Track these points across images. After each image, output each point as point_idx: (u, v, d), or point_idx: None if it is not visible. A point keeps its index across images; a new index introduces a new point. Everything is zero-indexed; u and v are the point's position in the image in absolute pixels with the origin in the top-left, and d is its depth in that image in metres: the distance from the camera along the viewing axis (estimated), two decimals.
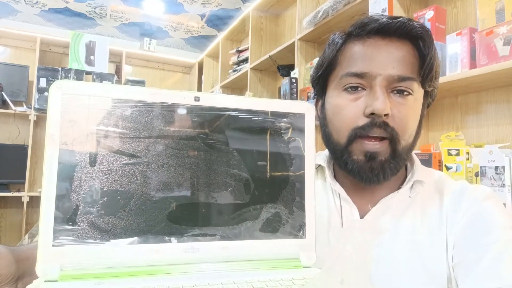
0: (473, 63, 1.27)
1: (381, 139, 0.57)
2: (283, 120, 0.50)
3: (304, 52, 2.23)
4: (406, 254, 0.57)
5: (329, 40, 0.64)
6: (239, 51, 3.11)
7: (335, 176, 0.66)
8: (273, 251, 0.48)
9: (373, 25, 0.58)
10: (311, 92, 2.06)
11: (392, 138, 0.56)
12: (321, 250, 0.54)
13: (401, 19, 0.57)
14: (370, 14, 0.62)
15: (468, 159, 1.27)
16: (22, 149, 3.36)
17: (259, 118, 0.49)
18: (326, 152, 0.69)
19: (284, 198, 0.49)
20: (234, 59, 3.16)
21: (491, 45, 1.20)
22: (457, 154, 1.29)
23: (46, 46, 3.71)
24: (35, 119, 3.35)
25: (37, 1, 3.26)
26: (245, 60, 2.97)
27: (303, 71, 2.20)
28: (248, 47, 2.89)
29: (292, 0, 2.62)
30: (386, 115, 0.55)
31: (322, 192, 0.66)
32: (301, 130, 0.50)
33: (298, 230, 0.49)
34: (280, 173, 0.49)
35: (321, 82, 0.65)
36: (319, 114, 0.67)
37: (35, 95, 3.22)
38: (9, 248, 0.47)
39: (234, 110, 0.48)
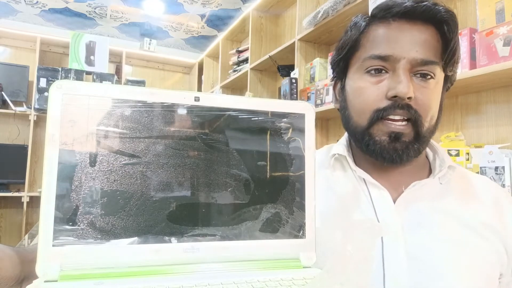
0: (473, 64, 1.27)
1: (404, 120, 0.57)
2: (283, 120, 0.50)
3: (304, 52, 2.23)
4: (446, 243, 0.56)
5: (351, 22, 0.63)
6: (239, 51, 3.11)
7: (357, 164, 0.65)
8: (273, 251, 0.48)
9: (398, 8, 0.57)
10: (311, 92, 2.06)
11: (415, 120, 0.56)
12: (354, 239, 0.54)
13: (426, 3, 0.57)
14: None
15: (468, 159, 1.27)
16: (22, 149, 3.36)
17: (259, 118, 0.49)
18: (342, 140, 0.68)
19: (284, 198, 0.49)
20: (234, 59, 3.16)
21: (491, 46, 1.20)
22: (457, 155, 1.29)
23: (46, 46, 3.71)
24: (35, 119, 3.35)
25: (37, 1, 3.26)
26: (245, 60, 2.97)
27: (303, 71, 2.20)
28: (248, 47, 2.89)
29: (292, 0, 2.62)
30: (409, 98, 0.55)
31: (344, 181, 0.64)
32: (301, 130, 0.50)
33: (298, 230, 0.49)
34: (280, 173, 0.49)
35: (342, 65, 0.64)
36: (337, 97, 0.67)
37: (35, 95, 3.22)
38: (15, 249, 0.46)
39: (234, 110, 0.48)
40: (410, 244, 0.55)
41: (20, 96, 3.44)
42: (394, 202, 0.59)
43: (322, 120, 2.21)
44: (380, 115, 0.57)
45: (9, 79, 3.39)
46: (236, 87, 3.41)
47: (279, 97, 2.44)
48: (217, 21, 3.56)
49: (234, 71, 3.18)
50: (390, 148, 0.57)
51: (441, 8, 0.56)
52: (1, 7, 3.35)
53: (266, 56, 2.58)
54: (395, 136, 0.56)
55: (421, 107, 0.56)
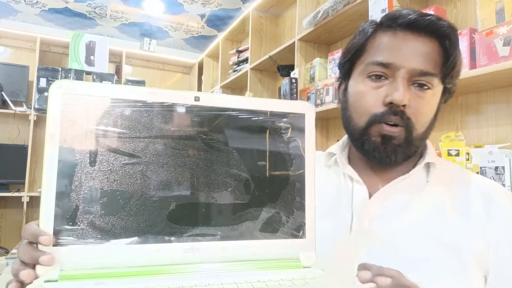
0: (473, 64, 1.27)
1: (397, 125, 0.60)
2: (283, 120, 0.50)
3: (304, 52, 2.22)
4: (411, 240, 0.58)
5: (359, 27, 0.67)
6: (239, 51, 3.11)
7: (350, 162, 0.69)
8: (273, 251, 0.48)
9: (404, 19, 0.61)
10: (311, 92, 2.06)
11: (407, 126, 0.60)
12: (329, 231, 0.56)
13: (430, 17, 0.60)
14: (399, 9, 0.65)
15: (468, 159, 1.27)
16: (22, 149, 3.36)
17: (259, 118, 0.49)
18: (340, 141, 0.73)
19: (284, 198, 0.49)
20: (234, 59, 3.16)
21: (491, 46, 1.20)
22: (457, 155, 1.29)
23: (46, 46, 3.71)
24: (35, 119, 3.35)
25: (37, 1, 3.26)
26: (245, 60, 2.97)
27: (303, 71, 2.20)
28: (248, 47, 2.89)
29: (292, 0, 2.62)
30: (404, 105, 0.59)
31: (334, 176, 0.70)
32: (301, 130, 0.50)
33: (298, 230, 0.49)
34: (280, 173, 0.49)
35: (347, 67, 0.68)
36: (340, 97, 0.71)
37: (35, 95, 3.22)
38: None
39: (234, 110, 0.48)
40: (372, 235, 0.60)
41: (20, 96, 3.44)
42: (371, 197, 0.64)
43: (322, 120, 2.21)
44: (377, 119, 0.60)
45: (9, 79, 3.39)
46: (236, 87, 3.41)
47: (279, 97, 2.44)
48: (217, 21, 3.55)
49: (234, 71, 3.18)
50: (381, 148, 0.61)
51: (444, 23, 0.60)
52: (1, 7, 3.35)
53: (266, 56, 2.58)
54: (387, 138, 0.60)
55: (414, 114, 0.60)
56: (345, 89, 0.68)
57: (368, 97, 0.62)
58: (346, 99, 0.67)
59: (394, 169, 0.65)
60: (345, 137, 0.72)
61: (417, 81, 0.60)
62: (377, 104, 0.60)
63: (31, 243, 0.41)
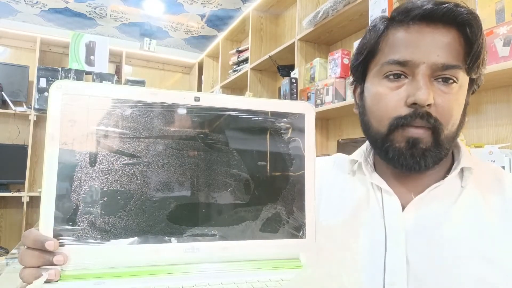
0: None
1: (424, 127, 0.55)
2: (283, 120, 0.50)
3: (304, 52, 2.22)
4: (452, 251, 0.54)
5: (370, 25, 0.62)
6: (239, 51, 3.11)
7: (376, 170, 0.64)
8: (273, 251, 0.48)
9: (418, 11, 0.55)
10: (311, 92, 2.06)
11: (434, 127, 0.54)
12: (363, 248, 0.53)
13: (447, 4, 0.54)
14: (410, 1, 0.58)
15: None
16: (22, 149, 3.36)
17: (259, 118, 0.49)
18: (363, 146, 0.68)
19: (284, 198, 0.49)
20: (234, 59, 3.16)
21: (491, 46, 1.20)
22: None
23: (46, 46, 3.71)
24: (35, 119, 3.35)
25: (37, 1, 3.26)
26: (245, 60, 2.97)
27: (303, 71, 2.20)
28: (248, 47, 2.89)
29: (292, 0, 2.62)
30: (429, 105, 0.54)
31: (360, 186, 0.64)
32: (301, 130, 0.50)
33: (298, 230, 0.49)
34: (280, 173, 0.49)
35: (361, 69, 0.63)
36: (357, 101, 0.66)
37: (35, 95, 3.22)
38: None
39: (234, 110, 0.48)
40: (410, 251, 0.55)
41: (20, 96, 3.44)
42: (404, 208, 0.58)
43: (322, 120, 2.21)
44: (400, 123, 0.55)
45: (9, 79, 3.39)
46: (236, 87, 3.41)
47: (279, 97, 2.44)
48: (217, 21, 3.55)
49: (234, 71, 3.18)
50: (408, 154, 0.55)
51: (463, 10, 0.54)
52: (1, 7, 3.35)
53: (266, 56, 2.58)
54: (413, 142, 0.55)
55: (442, 113, 0.55)
56: (361, 92, 0.63)
57: (388, 99, 0.56)
58: (363, 104, 0.62)
59: (425, 175, 0.60)
60: (368, 142, 0.67)
61: (441, 76, 0.54)
62: (399, 106, 0.55)
63: (33, 249, 0.41)
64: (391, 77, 0.57)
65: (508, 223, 0.54)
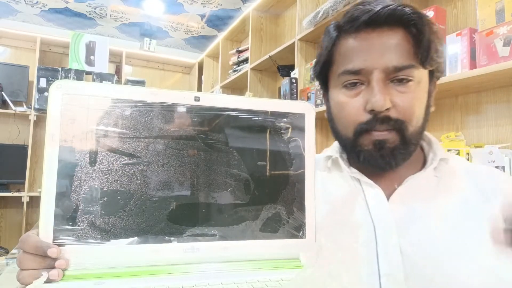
0: (473, 64, 1.27)
1: (388, 130, 0.56)
2: (283, 120, 0.50)
3: (304, 52, 2.22)
4: (445, 235, 0.55)
5: (325, 31, 0.64)
6: (239, 51, 3.11)
7: (351, 165, 0.65)
8: (273, 251, 0.48)
9: (363, 18, 0.56)
10: (311, 92, 2.06)
11: (398, 128, 0.56)
12: (349, 238, 0.53)
13: (390, 6, 0.55)
14: (356, 6, 0.60)
15: (468, 159, 1.27)
16: (22, 149, 3.36)
17: (259, 118, 0.49)
18: (335, 143, 0.69)
19: (284, 198, 0.49)
20: (234, 59, 3.16)
21: (491, 46, 1.20)
22: (457, 155, 1.29)
23: (46, 46, 3.71)
24: (35, 119, 3.35)
25: (37, 1, 3.26)
26: (245, 60, 2.97)
27: (303, 71, 2.20)
28: (248, 47, 2.89)
29: (292, 0, 2.62)
30: (387, 109, 0.55)
31: (341, 182, 0.65)
32: (301, 130, 0.50)
33: (298, 230, 0.49)
34: (280, 173, 0.49)
35: (321, 79, 0.65)
36: (326, 108, 0.67)
37: (35, 95, 3.22)
38: None
39: (234, 110, 0.48)
40: (403, 241, 0.55)
41: (20, 96, 3.44)
42: (388, 199, 0.59)
43: (322, 120, 2.20)
44: (364, 128, 0.57)
45: (9, 79, 3.39)
46: (236, 87, 3.41)
47: (279, 97, 2.44)
48: (217, 21, 3.55)
49: (234, 71, 3.18)
50: (377, 156, 0.57)
51: (406, 9, 0.55)
52: (1, 7, 3.35)
53: (266, 56, 2.58)
54: (380, 144, 0.57)
55: (403, 113, 0.56)
56: (327, 100, 0.65)
57: (349, 107, 0.58)
58: (330, 111, 0.64)
59: (402, 167, 0.61)
60: None
61: (395, 77, 0.56)
62: (359, 113, 0.57)
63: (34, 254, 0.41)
64: (348, 86, 0.59)
65: (481, 208, 0.57)
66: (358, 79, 0.58)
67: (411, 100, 0.56)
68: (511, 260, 0.54)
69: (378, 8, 0.56)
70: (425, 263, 0.54)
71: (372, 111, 0.56)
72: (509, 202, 0.57)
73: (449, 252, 0.54)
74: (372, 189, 0.60)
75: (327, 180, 0.66)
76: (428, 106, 0.60)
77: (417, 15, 0.56)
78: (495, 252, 0.54)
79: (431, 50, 0.56)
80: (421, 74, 0.57)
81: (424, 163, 0.63)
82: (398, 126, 0.56)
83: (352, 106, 0.58)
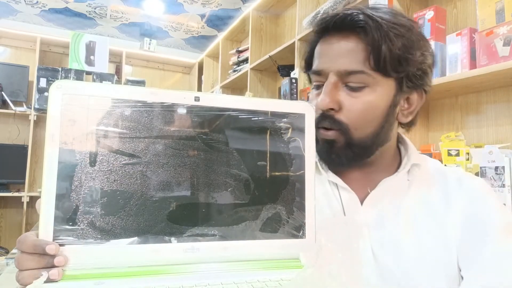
0: (473, 64, 1.27)
1: (332, 129, 0.59)
2: (283, 120, 0.50)
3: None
4: (411, 239, 0.58)
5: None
6: (239, 51, 3.11)
7: (329, 168, 0.67)
8: (273, 251, 0.48)
9: (326, 22, 0.60)
10: (311, 92, 2.06)
11: (341, 129, 0.59)
12: (326, 241, 0.54)
13: (346, 12, 0.58)
14: (328, 12, 0.64)
15: (468, 159, 1.27)
16: (22, 149, 3.36)
17: (259, 118, 0.49)
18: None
19: (284, 198, 0.49)
20: (234, 59, 3.16)
21: (491, 46, 1.20)
22: (457, 155, 1.29)
23: (46, 46, 3.71)
24: (35, 119, 3.35)
25: (37, 1, 3.26)
26: (245, 60, 2.97)
27: None
28: (248, 47, 2.89)
29: (292, 0, 2.62)
30: (332, 109, 0.58)
31: (318, 185, 0.65)
32: (301, 130, 0.50)
33: (298, 230, 0.49)
34: (280, 173, 0.49)
35: (308, 77, 0.68)
36: None
37: (35, 95, 3.22)
38: None
39: (234, 110, 0.48)
40: (375, 243, 0.58)
41: (20, 96, 3.44)
42: (362, 202, 0.61)
43: None
44: (316, 126, 0.58)
45: (9, 79, 3.39)
46: (236, 87, 3.41)
47: (279, 97, 2.44)
48: (217, 21, 3.55)
49: (234, 71, 3.18)
50: (325, 154, 0.61)
51: (360, 15, 0.56)
52: (1, 7, 3.35)
53: (266, 56, 2.58)
54: (326, 143, 0.60)
55: (349, 117, 0.58)
56: None
57: (313, 105, 0.60)
58: None
59: (376, 170, 0.64)
60: None
61: (348, 82, 0.58)
62: (316, 112, 0.58)
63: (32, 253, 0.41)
64: (316, 86, 0.63)
65: (450, 210, 0.60)
66: (320, 80, 0.61)
67: (360, 105, 0.58)
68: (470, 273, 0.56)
69: (339, 14, 0.59)
70: (394, 267, 0.56)
71: (318, 110, 0.59)
72: (464, 209, 0.59)
73: (415, 258, 0.56)
74: (347, 194, 0.63)
75: None
76: (388, 115, 0.60)
77: (371, 21, 0.56)
78: (456, 261, 0.57)
79: (385, 57, 0.55)
80: (381, 82, 0.58)
81: (398, 167, 0.65)
82: (342, 128, 0.58)
83: (314, 105, 0.61)
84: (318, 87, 0.62)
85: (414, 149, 0.66)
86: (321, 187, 0.66)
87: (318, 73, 0.61)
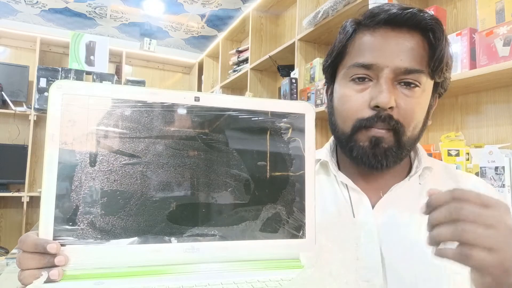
0: (473, 64, 1.27)
1: (386, 129, 0.57)
2: (283, 120, 0.50)
3: (304, 52, 2.22)
4: (423, 244, 0.57)
5: (341, 26, 0.64)
6: (239, 51, 3.11)
7: (340, 169, 0.66)
8: (273, 251, 0.48)
9: (383, 15, 0.57)
10: (311, 92, 2.06)
11: (396, 130, 0.57)
12: (333, 243, 0.54)
13: (411, 10, 0.56)
14: (381, 4, 0.61)
15: (468, 159, 1.27)
16: (22, 149, 3.36)
17: (259, 118, 0.49)
18: (327, 145, 0.70)
19: (284, 198, 0.49)
20: (234, 59, 3.16)
21: (491, 46, 1.20)
22: (457, 155, 1.29)
23: (46, 46, 3.71)
24: (35, 119, 3.35)
25: (37, 1, 3.26)
26: (245, 60, 2.97)
27: (303, 71, 2.20)
28: (248, 47, 2.89)
29: (292, 0, 2.62)
30: (390, 108, 0.56)
31: (327, 185, 0.65)
32: (301, 130, 0.50)
33: (298, 230, 0.49)
34: (280, 173, 0.49)
35: (330, 71, 0.65)
36: (328, 101, 0.68)
37: (35, 95, 3.22)
38: None
39: (234, 110, 0.48)
40: (385, 247, 0.57)
41: (20, 96, 3.44)
42: (374, 206, 0.60)
43: (322, 120, 2.21)
44: (363, 124, 0.57)
45: (9, 79, 3.39)
46: (236, 87, 3.41)
47: (279, 97, 2.44)
48: (217, 21, 3.55)
49: (234, 71, 3.18)
50: (370, 153, 0.58)
51: (426, 15, 0.56)
52: (1, 7, 3.35)
53: (266, 56, 2.58)
54: (376, 142, 0.57)
55: (403, 116, 0.57)
56: (331, 93, 0.65)
57: (353, 101, 0.58)
58: (331, 104, 0.65)
59: (388, 174, 0.62)
60: (331, 140, 0.70)
61: (403, 79, 0.57)
62: (363, 108, 0.57)
63: (32, 252, 0.41)
64: (357, 80, 0.59)
65: None
66: (368, 74, 0.58)
67: (414, 105, 0.57)
68: None
69: (400, 9, 0.56)
70: (405, 271, 0.55)
71: (376, 108, 0.56)
72: None
73: (426, 262, 0.55)
74: (358, 196, 0.61)
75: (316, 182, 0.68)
76: (426, 118, 0.61)
77: (436, 22, 0.56)
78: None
79: (443, 61, 0.56)
80: (428, 83, 0.58)
81: (409, 171, 0.64)
82: (397, 128, 0.57)
83: (356, 100, 0.58)
84: (360, 81, 0.58)
85: (424, 152, 0.65)
86: (330, 188, 0.65)
87: (368, 67, 0.57)
